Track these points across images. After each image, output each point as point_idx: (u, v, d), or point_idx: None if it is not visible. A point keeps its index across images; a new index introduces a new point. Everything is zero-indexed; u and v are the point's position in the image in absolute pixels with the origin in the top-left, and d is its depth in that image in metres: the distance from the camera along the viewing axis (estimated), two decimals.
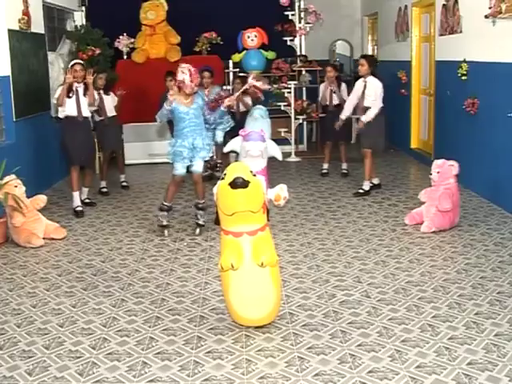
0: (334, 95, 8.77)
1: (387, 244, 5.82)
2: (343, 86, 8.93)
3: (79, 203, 7.15)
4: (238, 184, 3.80)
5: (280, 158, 6.43)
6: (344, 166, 8.93)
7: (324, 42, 13.78)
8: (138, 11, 10.22)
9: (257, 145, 6.00)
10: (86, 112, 7.08)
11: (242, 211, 3.86)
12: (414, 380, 3.43)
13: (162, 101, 8.62)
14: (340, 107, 8.56)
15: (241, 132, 6.23)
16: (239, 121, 9.05)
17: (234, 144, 6.41)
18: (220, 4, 11.31)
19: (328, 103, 8.81)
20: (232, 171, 3.91)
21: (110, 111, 8.21)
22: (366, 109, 7.53)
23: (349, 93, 8.29)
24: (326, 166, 8.88)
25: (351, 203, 7.34)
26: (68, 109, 6.92)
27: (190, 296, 4.71)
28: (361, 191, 7.70)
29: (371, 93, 7.48)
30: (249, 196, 3.85)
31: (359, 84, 7.66)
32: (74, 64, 7.03)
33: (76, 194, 7.13)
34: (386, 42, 11.74)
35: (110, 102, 8.23)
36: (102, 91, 8.06)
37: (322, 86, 9.07)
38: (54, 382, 3.52)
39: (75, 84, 6.92)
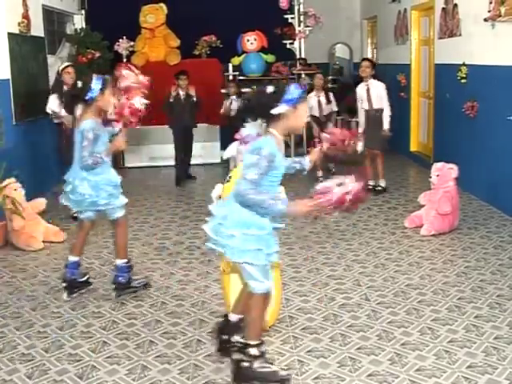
0: (323, 106, 8.73)
1: (387, 247, 5.82)
2: (331, 96, 8.87)
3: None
4: None
5: None
6: (331, 165, 8.94)
7: (323, 45, 13.81)
8: (137, 14, 10.24)
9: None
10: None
11: None
12: (413, 383, 3.43)
13: (167, 104, 8.69)
14: (330, 116, 8.67)
15: (237, 136, 6.22)
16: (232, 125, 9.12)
17: (232, 149, 6.40)
18: (219, 7, 11.34)
19: (318, 114, 8.73)
20: (237, 175, 3.91)
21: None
22: (376, 111, 7.70)
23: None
24: (320, 173, 8.81)
25: None
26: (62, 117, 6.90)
27: (189, 299, 4.70)
28: (379, 188, 7.94)
29: (376, 95, 7.67)
30: None
31: (362, 89, 7.84)
32: (67, 66, 6.99)
33: None
34: (385, 45, 11.75)
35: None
36: None
37: (308, 97, 8.94)
38: None
39: (65, 88, 6.88)
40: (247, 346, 3.43)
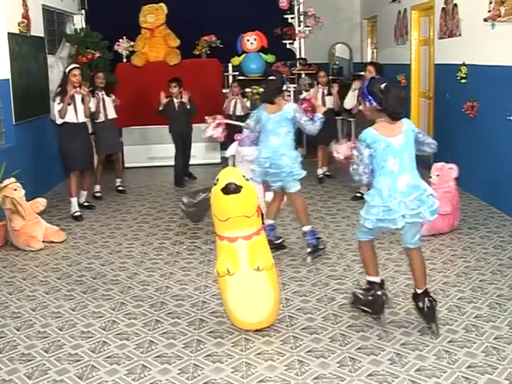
0: (326, 98, 8.69)
1: (386, 247, 5.81)
2: (332, 89, 8.85)
3: (77, 209, 7.15)
4: (231, 190, 3.78)
5: None
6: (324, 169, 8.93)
7: (323, 45, 13.80)
8: (137, 14, 10.24)
9: (252, 150, 6.03)
10: (83, 118, 7.06)
11: (235, 216, 3.85)
12: (413, 383, 3.43)
13: (158, 111, 8.69)
14: (332, 111, 8.66)
15: (236, 137, 6.27)
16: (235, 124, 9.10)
17: (232, 150, 6.50)
18: (219, 7, 11.35)
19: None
20: (224, 177, 3.88)
21: (111, 113, 8.19)
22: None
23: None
24: (320, 171, 8.84)
25: (350, 206, 7.33)
26: (67, 116, 6.92)
27: (189, 299, 4.71)
28: (358, 195, 7.69)
29: None
30: (242, 201, 3.84)
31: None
32: (73, 69, 7.00)
33: (74, 200, 7.13)
34: (385, 46, 11.75)
35: (111, 104, 8.21)
36: (103, 92, 8.05)
37: (312, 90, 8.94)
38: None
39: (73, 90, 6.91)
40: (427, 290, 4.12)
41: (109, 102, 8.12)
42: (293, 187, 5.51)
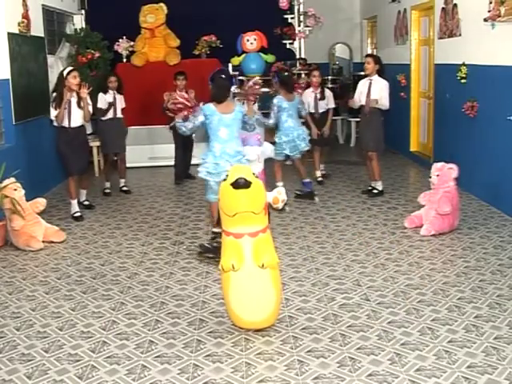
0: (319, 102, 8.53)
1: (387, 247, 5.82)
2: (328, 92, 8.69)
3: (77, 209, 7.14)
4: (241, 184, 3.82)
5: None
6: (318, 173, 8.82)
7: (323, 45, 13.81)
8: (137, 14, 10.23)
9: (254, 149, 6.07)
10: (78, 122, 6.95)
11: (243, 212, 3.87)
12: (413, 383, 3.43)
13: (164, 108, 8.69)
14: (327, 114, 8.58)
15: (240, 136, 6.27)
16: None
17: None
18: (219, 7, 11.36)
19: (314, 110, 8.52)
20: (234, 172, 3.94)
21: (120, 113, 8.24)
22: (372, 109, 7.52)
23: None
24: (319, 173, 8.79)
25: (350, 206, 7.34)
26: (63, 121, 6.87)
27: (189, 299, 4.71)
28: (375, 191, 7.81)
29: (377, 91, 7.48)
30: (251, 196, 3.88)
31: (363, 83, 7.66)
32: (71, 71, 6.92)
33: (74, 202, 7.13)
34: (385, 46, 11.76)
35: (121, 103, 8.25)
36: (115, 91, 8.11)
37: (305, 93, 8.68)
38: None
39: (68, 94, 6.83)
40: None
41: (119, 100, 8.15)
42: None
